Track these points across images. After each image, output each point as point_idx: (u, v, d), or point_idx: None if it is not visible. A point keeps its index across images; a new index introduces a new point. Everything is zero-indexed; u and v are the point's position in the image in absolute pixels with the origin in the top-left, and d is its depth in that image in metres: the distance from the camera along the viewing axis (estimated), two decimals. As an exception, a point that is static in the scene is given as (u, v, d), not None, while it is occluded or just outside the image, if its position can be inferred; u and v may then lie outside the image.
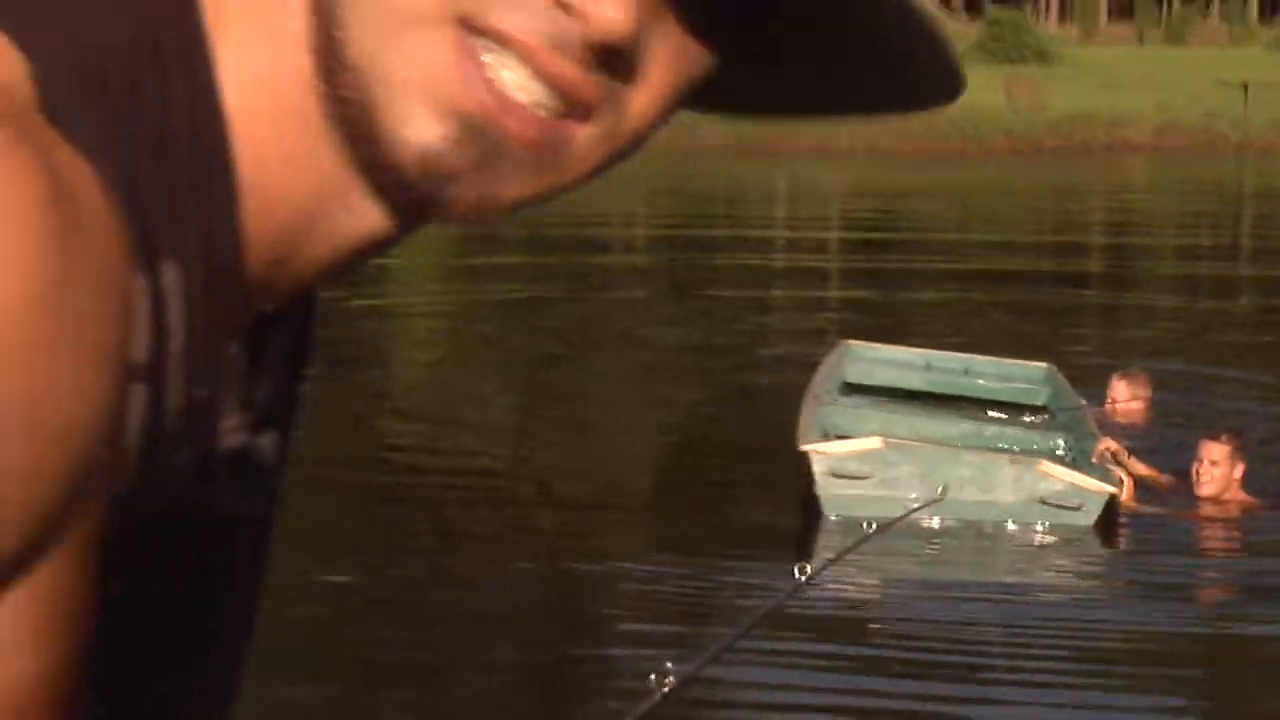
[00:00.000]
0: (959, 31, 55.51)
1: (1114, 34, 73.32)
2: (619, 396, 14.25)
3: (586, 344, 15.79)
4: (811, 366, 11.77)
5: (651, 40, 0.63)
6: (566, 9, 0.60)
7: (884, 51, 0.68)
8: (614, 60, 0.62)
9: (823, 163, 34.83)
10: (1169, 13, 75.87)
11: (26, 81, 0.59)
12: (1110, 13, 74.99)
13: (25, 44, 0.60)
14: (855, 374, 12.24)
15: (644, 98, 0.66)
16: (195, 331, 0.61)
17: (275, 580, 0.83)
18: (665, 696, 3.79)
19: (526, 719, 7.79)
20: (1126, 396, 12.19)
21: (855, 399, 11.79)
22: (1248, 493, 9.38)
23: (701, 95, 0.71)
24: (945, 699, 7.33)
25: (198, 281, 0.61)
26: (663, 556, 9.42)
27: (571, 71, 0.62)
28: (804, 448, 9.70)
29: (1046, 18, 77.21)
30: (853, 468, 9.48)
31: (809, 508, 9.46)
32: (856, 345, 12.55)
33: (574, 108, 0.63)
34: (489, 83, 0.61)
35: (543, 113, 0.63)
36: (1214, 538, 9.52)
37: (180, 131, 0.63)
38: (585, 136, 0.65)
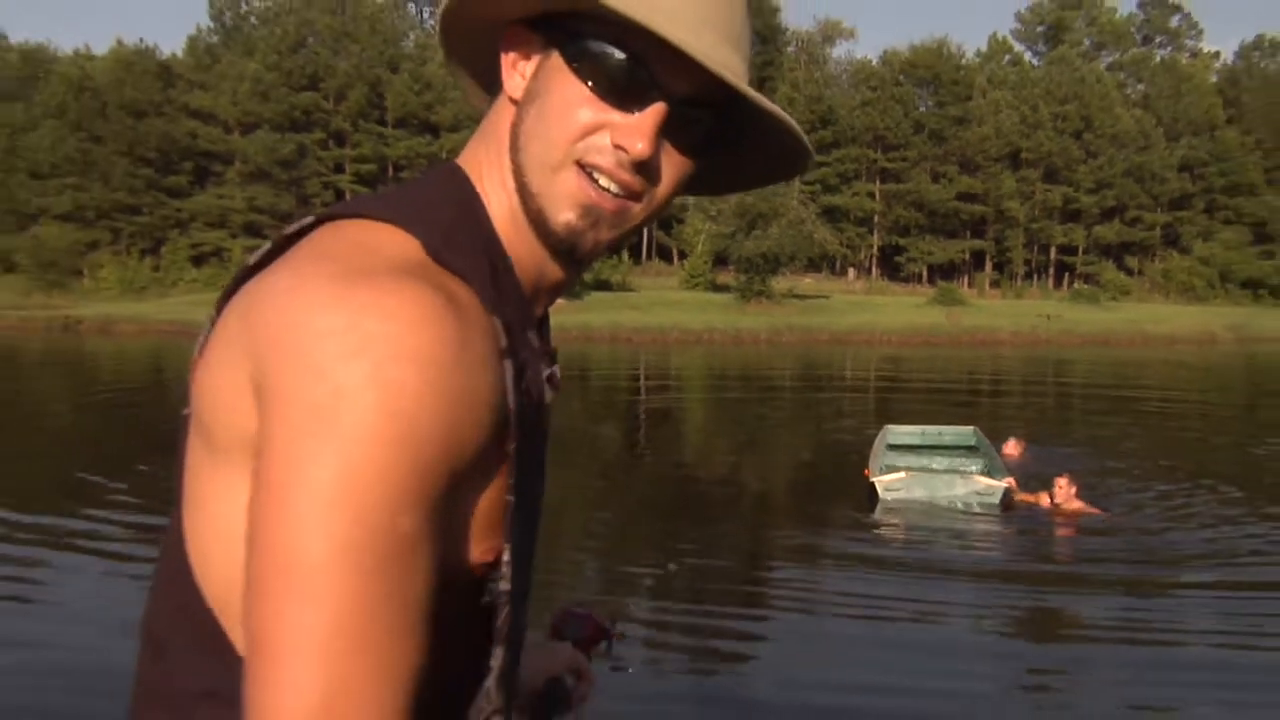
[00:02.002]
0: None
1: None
2: (792, 442, 21.01)
3: (768, 433, 23.70)
4: (872, 437, 18.80)
5: (664, 159, 1.26)
6: (622, 149, 1.21)
7: (777, 145, 1.33)
8: (646, 170, 1.24)
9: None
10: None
11: (419, 249, 1.18)
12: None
13: (410, 229, 1.20)
14: (893, 438, 18.35)
15: (663, 188, 1.28)
16: (520, 340, 1.23)
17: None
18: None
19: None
20: (1013, 450, 18.14)
21: (893, 452, 17.35)
22: (1081, 500, 13.99)
23: (689, 185, 1.35)
24: (934, 585, 11.33)
25: (514, 321, 1.23)
26: (803, 521, 14.93)
27: (628, 178, 1.23)
28: (871, 479, 15.24)
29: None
30: (893, 484, 15.01)
31: (872, 500, 14.92)
32: (893, 426, 19.12)
33: (631, 195, 1.25)
34: (595, 184, 1.22)
35: (618, 197, 1.24)
36: (1060, 523, 13.82)
37: (493, 253, 1.27)
38: (638, 209, 1.27)
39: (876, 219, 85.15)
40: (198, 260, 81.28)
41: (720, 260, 69.99)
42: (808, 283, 72.30)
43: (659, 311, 59.23)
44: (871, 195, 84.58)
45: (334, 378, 1.02)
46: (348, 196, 79.33)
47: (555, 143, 1.24)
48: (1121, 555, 12.27)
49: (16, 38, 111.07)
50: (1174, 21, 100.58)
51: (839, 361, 43.25)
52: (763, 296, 62.88)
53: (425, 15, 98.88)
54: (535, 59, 1.28)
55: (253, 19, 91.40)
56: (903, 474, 15.17)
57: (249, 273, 1.21)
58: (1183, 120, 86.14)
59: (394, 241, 1.16)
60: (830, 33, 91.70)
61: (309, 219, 1.24)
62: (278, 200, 79.55)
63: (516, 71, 1.30)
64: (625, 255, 79.59)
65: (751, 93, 1.22)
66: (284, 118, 78.43)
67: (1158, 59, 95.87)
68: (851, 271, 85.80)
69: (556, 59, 1.25)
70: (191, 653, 1.19)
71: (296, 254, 1.16)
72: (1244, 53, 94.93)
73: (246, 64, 77.74)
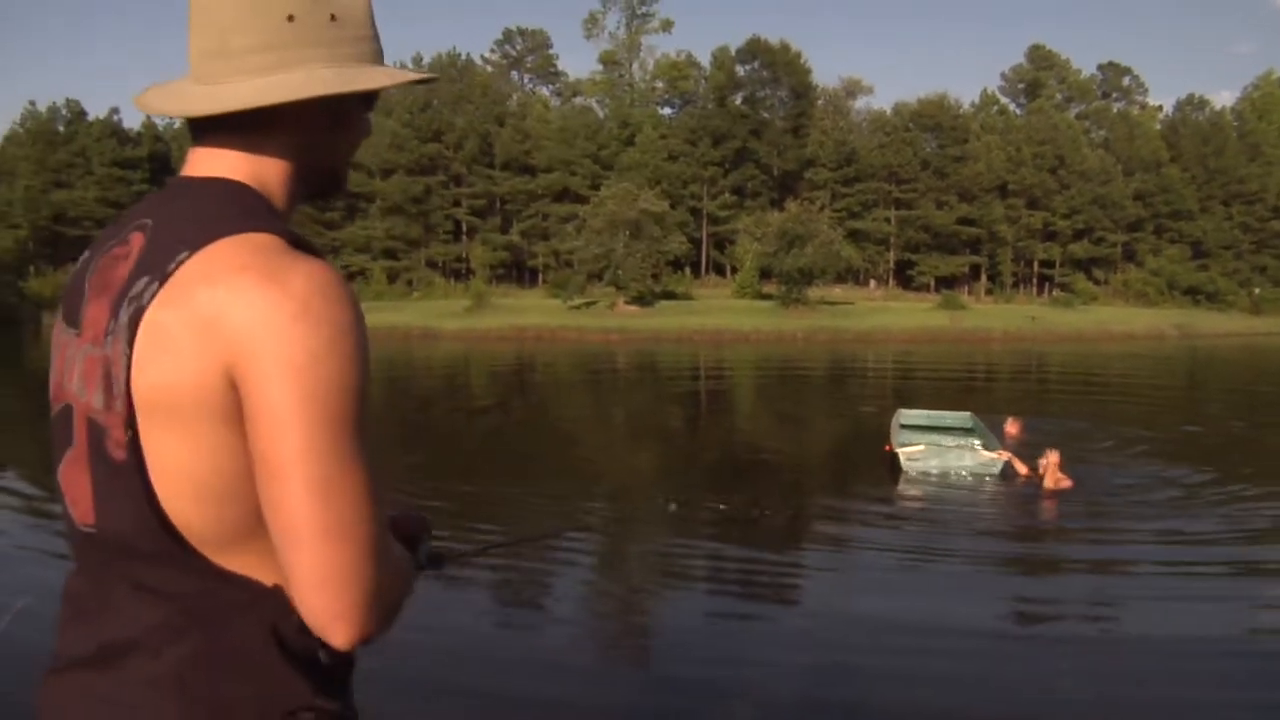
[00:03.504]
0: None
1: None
2: (823, 419, 20.76)
3: (804, 411, 23.61)
4: (887, 418, 18.34)
5: None
6: None
7: None
8: None
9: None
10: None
11: (279, 240, 1.31)
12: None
13: (264, 229, 1.31)
14: (904, 419, 17.98)
15: None
16: None
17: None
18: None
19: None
20: (1012, 428, 17.50)
21: (905, 430, 17.01)
22: (1063, 474, 13.48)
23: None
24: (944, 534, 11.96)
25: None
26: (833, 480, 15.57)
27: None
28: (895, 450, 15.14)
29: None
30: (914, 455, 14.83)
31: (895, 469, 14.80)
32: (903, 410, 18.77)
33: None
34: None
35: None
36: (1050, 496, 13.27)
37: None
38: None
39: (892, 239, 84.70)
40: (348, 278, 79.66)
41: (765, 274, 69.82)
42: (836, 292, 72.00)
43: (715, 316, 59.36)
44: (888, 220, 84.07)
45: (310, 345, 1.24)
46: (464, 225, 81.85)
47: None
48: (1086, 512, 12.34)
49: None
50: (1125, 81, 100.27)
51: (862, 356, 43.23)
52: (799, 303, 62.83)
53: (525, 80, 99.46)
54: None
55: (391, 89, 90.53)
56: (921, 447, 15.10)
57: (141, 309, 1.30)
58: (1135, 159, 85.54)
59: (268, 241, 1.32)
60: (852, 89, 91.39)
61: (183, 254, 1.30)
62: (409, 229, 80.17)
63: None
64: (687, 271, 79.72)
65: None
66: (414, 164, 79.12)
67: (1114, 110, 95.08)
68: (872, 282, 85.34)
69: None
70: (175, 571, 1.34)
71: (214, 276, 1.27)
72: (1180, 106, 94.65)
73: (385, 121, 78.30)
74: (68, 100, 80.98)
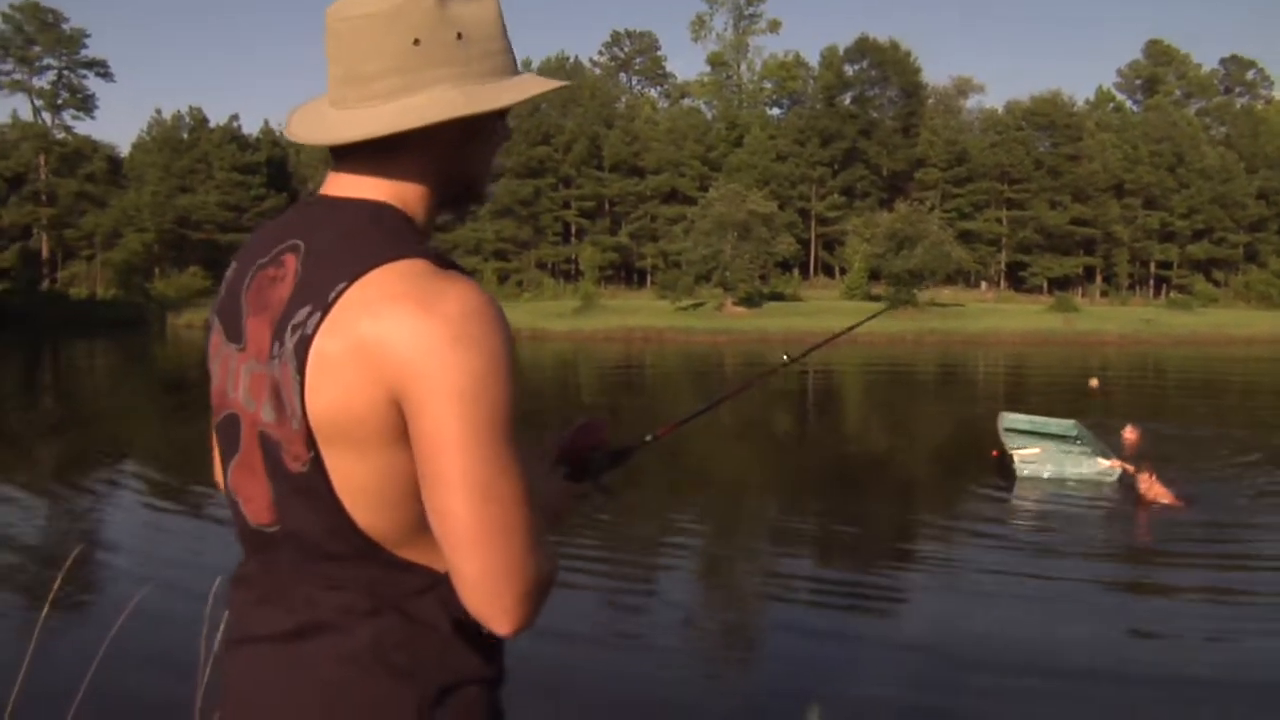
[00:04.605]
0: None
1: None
2: (932, 420, 20.90)
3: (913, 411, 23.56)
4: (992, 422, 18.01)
5: None
6: None
7: None
8: None
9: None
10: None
11: (427, 265, 1.40)
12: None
13: (422, 255, 1.42)
14: (1008, 423, 17.51)
15: None
16: None
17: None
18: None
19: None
20: (1131, 435, 16.72)
21: (1010, 434, 16.54)
22: (1164, 488, 12.77)
23: None
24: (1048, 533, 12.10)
25: None
26: (942, 480, 15.67)
27: None
28: (1010, 450, 14.87)
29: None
30: (1029, 457, 14.43)
31: (1006, 473, 14.67)
32: (1007, 413, 18.28)
33: None
34: None
35: None
36: (1158, 510, 12.68)
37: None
38: None
39: (1004, 240, 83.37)
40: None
41: (874, 275, 69.30)
42: (946, 293, 71.06)
43: (823, 317, 58.85)
44: (999, 221, 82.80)
45: (469, 367, 1.33)
46: (573, 227, 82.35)
47: None
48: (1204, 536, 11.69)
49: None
50: (1249, 75, 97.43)
51: (972, 358, 42.60)
52: (909, 305, 62.08)
53: (633, 82, 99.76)
54: None
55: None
56: (1037, 450, 14.69)
57: (307, 338, 1.39)
58: (1259, 156, 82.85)
59: (419, 267, 1.41)
60: (963, 87, 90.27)
61: (341, 284, 1.39)
62: (519, 231, 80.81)
63: None
64: (796, 272, 79.35)
65: None
66: (523, 166, 79.73)
67: (1237, 105, 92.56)
68: (983, 284, 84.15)
69: None
70: (361, 565, 1.47)
71: (373, 306, 1.37)
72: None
73: (495, 124, 78.96)
74: (191, 108, 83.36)
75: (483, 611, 1.38)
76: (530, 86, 1.55)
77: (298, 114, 1.58)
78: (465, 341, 1.34)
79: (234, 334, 1.52)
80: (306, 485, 1.43)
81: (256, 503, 1.51)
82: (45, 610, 4.30)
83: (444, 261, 1.46)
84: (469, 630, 1.47)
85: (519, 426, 1.39)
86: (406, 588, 1.47)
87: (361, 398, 1.37)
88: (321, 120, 1.52)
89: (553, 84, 1.57)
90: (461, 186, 1.60)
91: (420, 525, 1.43)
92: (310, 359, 1.38)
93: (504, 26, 1.55)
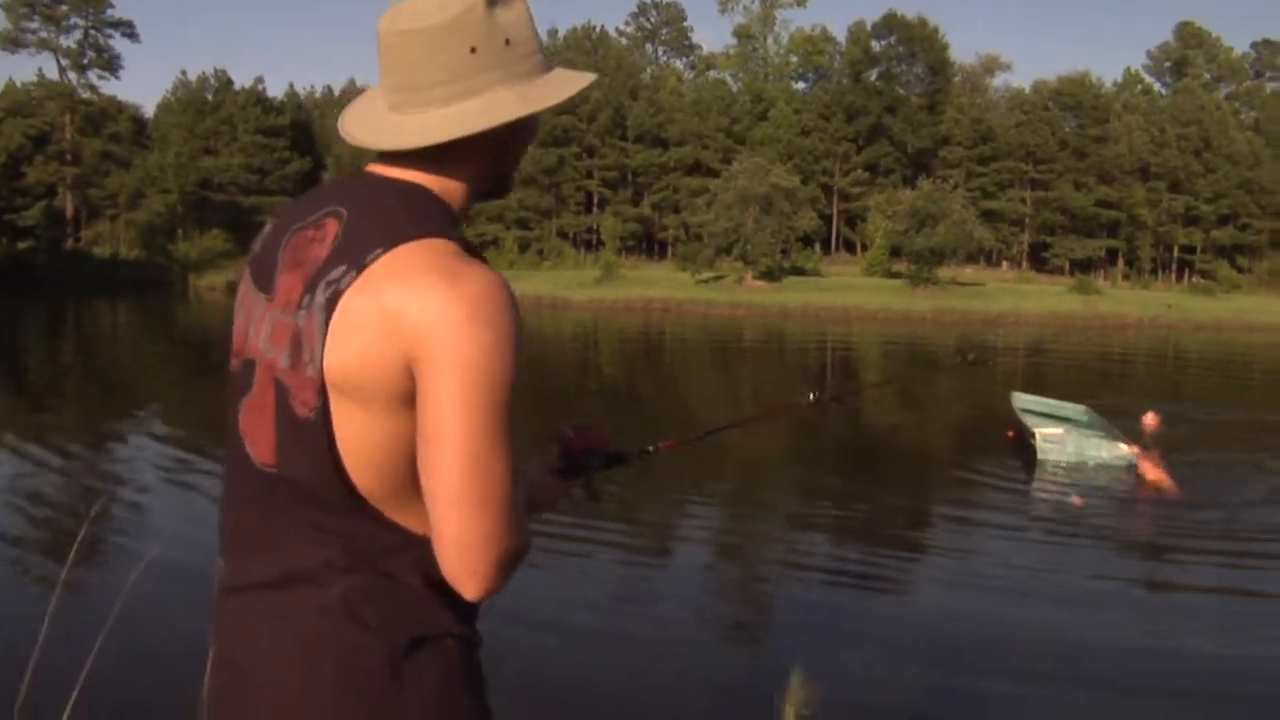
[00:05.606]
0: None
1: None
2: (949, 401, 20.55)
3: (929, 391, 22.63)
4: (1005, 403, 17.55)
5: None
6: None
7: None
8: None
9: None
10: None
11: (455, 247, 1.52)
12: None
13: (441, 236, 1.52)
14: (1020, 403, 16.98)
15: None
16: None
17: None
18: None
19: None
20: (1151, 421, 16.69)
21: (1025, 415, 16.04)
22: (1165, 473, 12.88)
23: None
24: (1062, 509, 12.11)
25: None
26: (957, 457, 15.47)
27: None
28: (1033, 428, 14.59)
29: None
30: (1051, 436, 14.28)
31: (1022, 454, 14.74)
32: (1019, 394, 17.69)
33: None
34: None
35: None
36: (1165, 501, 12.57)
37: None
38: None
39: (1027, 220, 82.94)
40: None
41: (895, 252, 69.04)
42: (968, 272, 70.90)
43: (843, 294, 58.93)
44: (1023, 201, 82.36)
45: (480, 341, 1.44)
46: (596, 197, 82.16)
47: None
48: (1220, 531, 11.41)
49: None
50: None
51: (991, 338, 42.49)
52: (929, 283, 61.93)
53: (659, 53, 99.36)
54: None
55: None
56: (1060, 430, 14.56)
57: (339, 293, 1.50)
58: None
59: (448, 247, 1.52)
60: (990, 66, 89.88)
61: (377, 250, 1.50)
62: (541, 200, 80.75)
63: None
64: (817, 247, 79.13)
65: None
66: (547, 135, 79.51)
67: (1268, 90, 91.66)
68: (1005, 264, 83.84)
69: None
70: (346, 516, 1.55)
71: (402, 275, 1.48)
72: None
73: (520, 93, 78.72)
74: (216, 70, 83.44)
75: (454, 572, 1.47)
76: (574, 83, 1.67)
77: (351, 114, 1.70)
78: (480, 318, 1.45)
79: (264, 285, 1.63)
80: (310, 431, 1.52)
81: (262, 444, 1.59)
82: (70, 558, 4.36)
83: (471, 249, 1.58)
84: (444, 592, 1.54)
85: (513, 406, 1.49)
86: (385, 544, 1.55)
87: (377, 356, 1.47)
88: (383, 123, 1.62)
89: (588, 77, 1.70)
90: (499, 178, 1.72)
91: (407, 490, 1.54)
92: (337, 312, 1.48)
93: (535, 24, 1.66)
